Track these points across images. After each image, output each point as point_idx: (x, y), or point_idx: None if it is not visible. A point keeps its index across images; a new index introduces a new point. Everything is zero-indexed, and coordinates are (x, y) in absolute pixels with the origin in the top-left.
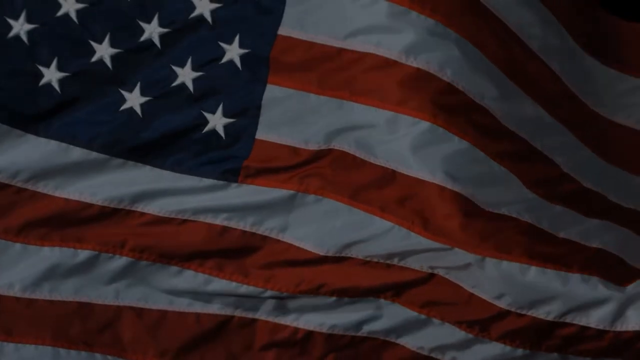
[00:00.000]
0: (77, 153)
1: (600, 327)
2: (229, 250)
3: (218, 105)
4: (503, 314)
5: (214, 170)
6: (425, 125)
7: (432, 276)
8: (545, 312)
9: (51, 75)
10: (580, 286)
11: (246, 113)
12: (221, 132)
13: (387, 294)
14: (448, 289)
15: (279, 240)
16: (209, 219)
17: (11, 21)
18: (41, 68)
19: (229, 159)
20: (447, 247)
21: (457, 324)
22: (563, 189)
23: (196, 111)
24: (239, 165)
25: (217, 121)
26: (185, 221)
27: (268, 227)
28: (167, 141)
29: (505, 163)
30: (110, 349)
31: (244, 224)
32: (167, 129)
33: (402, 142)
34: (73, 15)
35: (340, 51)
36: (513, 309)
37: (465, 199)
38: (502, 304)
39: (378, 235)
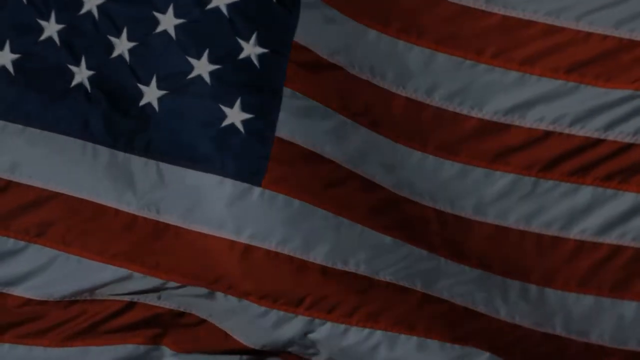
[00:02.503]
0: (106, 155)
1: None
2: (254, 271)
3: (236, 100)
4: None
5: (235, 168)
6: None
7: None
8: None
9: (82, 74)
10: None
11: (265, 110)
12: (240, 127)
13: (416, 331)
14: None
15: (305, 261)
16: (233, 236)
17: (43, 22)
18: (72, 68)
19: (250, 156)
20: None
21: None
22: None
23: (214, 105)
24: (262, 166)
25: (235, 116)
26: (206, 236)
27: (292, 246)
28: (186, 136)
29: None
30: (143, 339)
31: (269, 243)
32: (185, 124)
33: None
34: (95, 12)
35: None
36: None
37: None
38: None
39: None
